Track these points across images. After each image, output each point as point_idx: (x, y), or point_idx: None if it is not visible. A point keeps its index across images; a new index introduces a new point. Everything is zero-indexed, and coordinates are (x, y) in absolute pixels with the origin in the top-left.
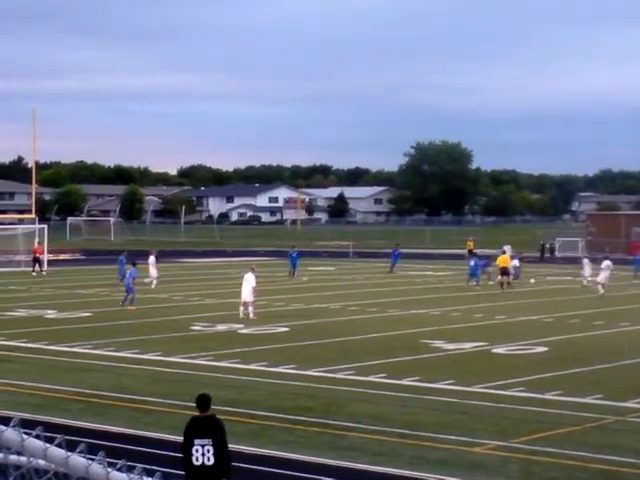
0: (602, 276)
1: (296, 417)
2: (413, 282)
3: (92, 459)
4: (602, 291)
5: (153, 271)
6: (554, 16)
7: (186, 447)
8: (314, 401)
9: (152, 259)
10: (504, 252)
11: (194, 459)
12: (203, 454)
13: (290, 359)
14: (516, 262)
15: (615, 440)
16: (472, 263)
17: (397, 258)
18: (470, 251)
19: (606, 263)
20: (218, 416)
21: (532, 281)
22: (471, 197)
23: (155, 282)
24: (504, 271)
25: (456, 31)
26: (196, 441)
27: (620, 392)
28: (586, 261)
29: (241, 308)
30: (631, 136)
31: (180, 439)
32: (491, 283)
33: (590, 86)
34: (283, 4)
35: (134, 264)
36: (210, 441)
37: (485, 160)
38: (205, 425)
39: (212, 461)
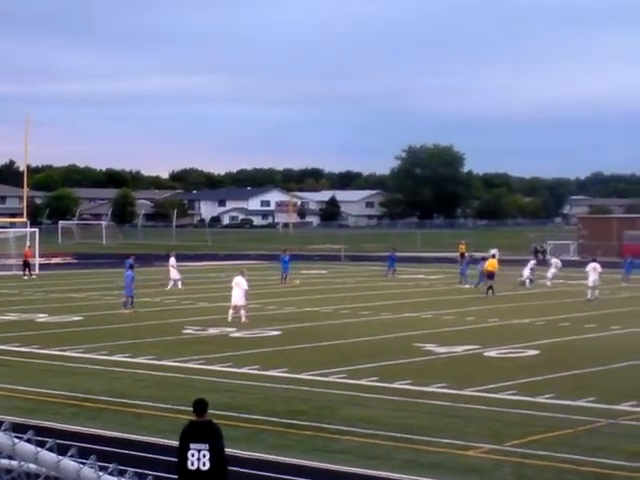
0: (590, 279)
1: (289, 421)
2: (405, 285)
3: (83, 463)
4: (590, 295)
5: (175, 273)
6: (547, 19)
7: (181, 451)
8: (307, 404)
9: (172, 261)
10: (493, 256)
11: (189, 463)
12: (199, 459)
13: (282, 362)
14: (531, 264)
15: (608, 443)
16: (479, 267)
17: (394, 262)
18: (462, 254)
19: (591, 265)
20: (215, 421)
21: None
22: (463, 200)
23: (180, 283)
24: (490, 275)
25: (448, 34)
26: (192, 445)
27: (612, 395)
28: (555, 261)
29: (230, 311)
30: (623, 139)
31: (173, 443)
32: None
33: (582, 90)
34: (279, 8)
35: (132, 267)
36: (207, 446)
37: (477, 163)
38: (202, 430)
39: (207, 466)
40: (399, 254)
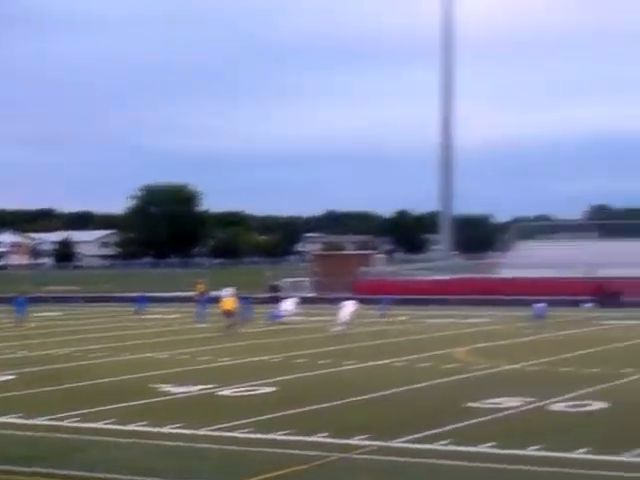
0: (339, 315)
1: (23, 468)
2: (143, 325)
3: None
4: (336, 331)
5: None
6: (288, 59)
7: None
8: (42, 450)
9: None
10: (229, 295)
11: None
12: None
13: (15, 408)
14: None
15: (339, 477)
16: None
17: (144, 302)
18: (202, 293)
19: (344, 303)
20: None
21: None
22: (200, 239)
23: None
24: (228, 314)
25: (189, 72)
26: None
27: (345, 429)
28: (290, 301)
29: None
30: (353, 177)
31: None
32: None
33: (315, 129)
34: (20, 47)
35: None
36: None
37: (215, 202)
38: None
39: None
40: (135, 294)
